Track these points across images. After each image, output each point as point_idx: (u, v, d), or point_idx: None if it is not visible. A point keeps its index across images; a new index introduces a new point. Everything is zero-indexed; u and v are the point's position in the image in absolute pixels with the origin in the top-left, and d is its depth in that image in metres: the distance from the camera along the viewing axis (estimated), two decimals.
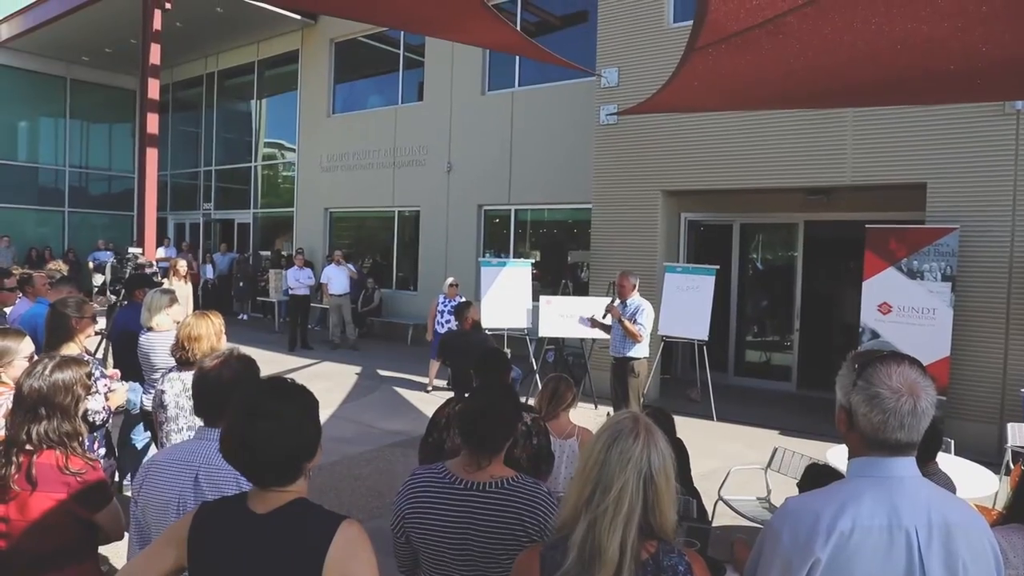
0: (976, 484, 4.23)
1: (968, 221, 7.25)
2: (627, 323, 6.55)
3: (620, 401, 6.75)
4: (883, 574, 1.47)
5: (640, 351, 6.64)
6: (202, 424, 2.28)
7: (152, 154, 11.23)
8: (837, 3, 2.26)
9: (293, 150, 16.87)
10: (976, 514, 1.60)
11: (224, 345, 3.24)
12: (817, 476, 3.02)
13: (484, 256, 12.56)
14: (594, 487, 1.51)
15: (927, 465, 3.17)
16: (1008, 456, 5.48)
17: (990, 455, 6.14)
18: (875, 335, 7.56)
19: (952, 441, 5.06)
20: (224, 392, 2.16)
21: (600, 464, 1.52)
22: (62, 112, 19.64)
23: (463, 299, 9.08)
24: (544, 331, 9.27)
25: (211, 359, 2.31)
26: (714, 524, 4.45)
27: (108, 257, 15.72)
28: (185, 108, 20.19)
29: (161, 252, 15.27)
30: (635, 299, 6.70)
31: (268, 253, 17.40)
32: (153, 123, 11.27)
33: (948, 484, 3.17)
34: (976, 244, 7.22)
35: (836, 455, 4.59)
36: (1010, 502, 1.97)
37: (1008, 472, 5.22)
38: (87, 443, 2.71)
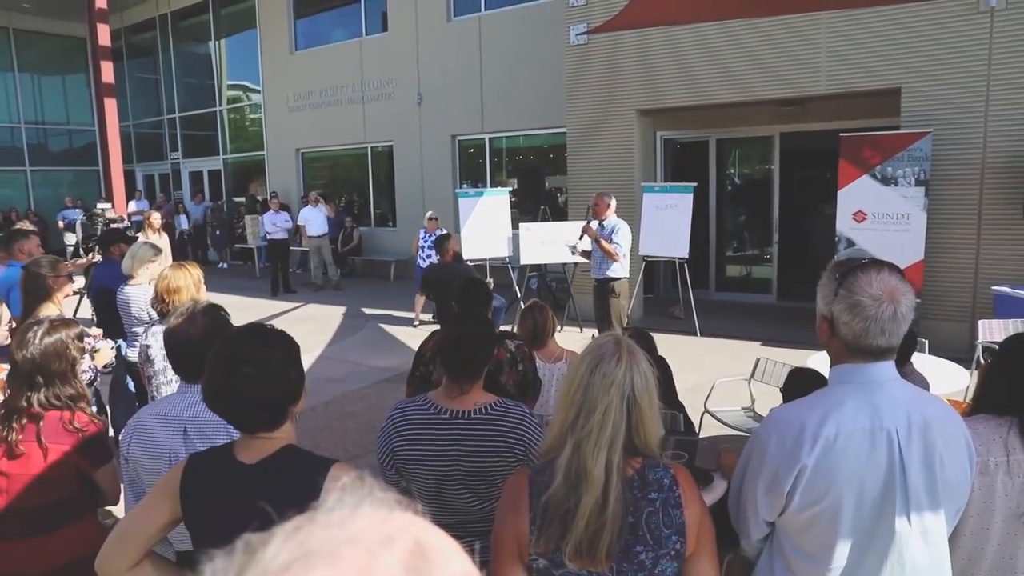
0: (948, 380, 4.39)
1: (941, 125, 7.25)
2: (604, 243, 6.55)
3: (604, 323, 6.82)
4: (866, 473, 1.54)
5: (619, 271, 6.63)
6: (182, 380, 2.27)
7: (111, 104, 10.87)
8: None
9: (258, 91, 16.39)
10: (950, 409, 1.67)
11: (204, 295, 3.23)
12: (800, 380, 3.12)
13: (461, 187, 12.44)
14: (578, 410, 1.53)
15: (903, 366, 3.27)
16: (979, 352, 5.65)
17: (962, 351, 6.34)
18: (851, 243, 7.65)
19: (926, 341, 5.21)
20: (195, 347, 2.14)
21: (583, 388, 1.54)
22: (9, 66, 18.80)
23: (443, 232, 9.05)
24: (526, 258, 9.30)
25: (176, 316, 2.26)
26: (701, 435, 4.60)
27: (77, 215, 15.45)
28: (140, 54, 19.43)
29: (133, 206, 14.98)
30: (612, 219, 6.66)
31: (242, 199, 17.12)
32: (108, 72, 10.86)
33: (922, 383, 3.28)
34: (949, 147, 7.25)
35: (817, 362, 4.71)
36: (975, 395, 2.05)
37: (979, 367, 5.40)
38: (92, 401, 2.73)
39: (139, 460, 2.13)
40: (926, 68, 7.33)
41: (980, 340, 5.65)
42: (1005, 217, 7.05)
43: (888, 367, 1.61)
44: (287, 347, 1.67)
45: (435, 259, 8.44)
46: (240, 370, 1.56)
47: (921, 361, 4.28)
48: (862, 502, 1.55)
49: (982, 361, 5.47)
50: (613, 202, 6.77)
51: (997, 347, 2.11)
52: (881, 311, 1.54)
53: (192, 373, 2.19)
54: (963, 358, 5.59)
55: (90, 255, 6.82)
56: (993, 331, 5.63)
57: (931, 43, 7.28)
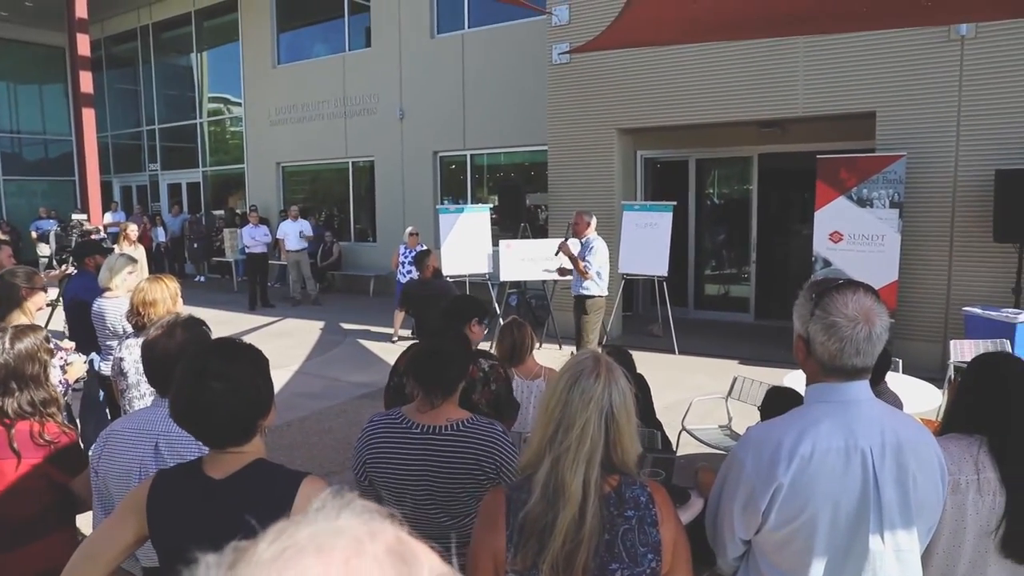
0: (921, 399, 4.44)
1: (915, 148, 7.40)
2: (577, 260, 6.64)
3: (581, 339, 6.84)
4: (841, 492, 1.55)
5: (593, 289, 6.65)
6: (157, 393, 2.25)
7: (89, 115, 10.77)
8: None
9: (239, 104, 16.32)
10: (924, 430, 1.69)
11: (180, 308, 3.20)
12: (778, 398, 3.15)
13: (442, 203, 12.46)
14: (557, 426, 1.54)
15: (877, 385, 3.31)
16: (951, 371, 5.74)
17: (934, 371, 6.43)
18: (827, 264, 7.75)
19: (900, 361, 5.28)
20: (172, 360, 2.09)
21: (563, 404, 1.55)
22: None
23: (423, 248, 9.04)
24: (505, 275, 9.31)
25: (155, 328, 2.24)
26: (678, 453, 4.61)
27: (51, 226, 15.24)
28: (120, 64, 19.28)
29: (109, 217, 14.81)
30: (590, 237, 6.74)
31: (221, 212, 16.99)
32: (87, 82, 10.76)
33: (896, 402, 3.33)
34: (922, 170, 7.40)
35: (793, 381, 4.75)
36: (946, 415, 2.08)
37: (950, 386, 5.47)
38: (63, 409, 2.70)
39: (109, 474, 2.09)
40: (900, 93, 7.49)
41: (952, 360, 5.73)
42: (976, 239, 7.19)
43: (863, 387, 1.63)
44: (256, 360, 1.65)
45: (415, 275, 8.43)
46: (209, 385, 1.53)
47: (894, 380, 4.33)
48: (837, 520, 1.56)
49: (953, 380, 5.55)
50: (593, 220, 6.82)
51: (965, 367, 2.14)
52: (856, 332, 1.56)
53: (168, 387, 2.15)
54: (936, 377, 5.67)
55: (63, 266, 6.73)
56: (964, 351, 5.72)
57: (905, 69, 7.45)
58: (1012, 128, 7.00)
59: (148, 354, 2.21)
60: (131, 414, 2.50)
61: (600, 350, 1.73)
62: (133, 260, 4.53)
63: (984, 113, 7.11)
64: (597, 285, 6.67)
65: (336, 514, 0.49)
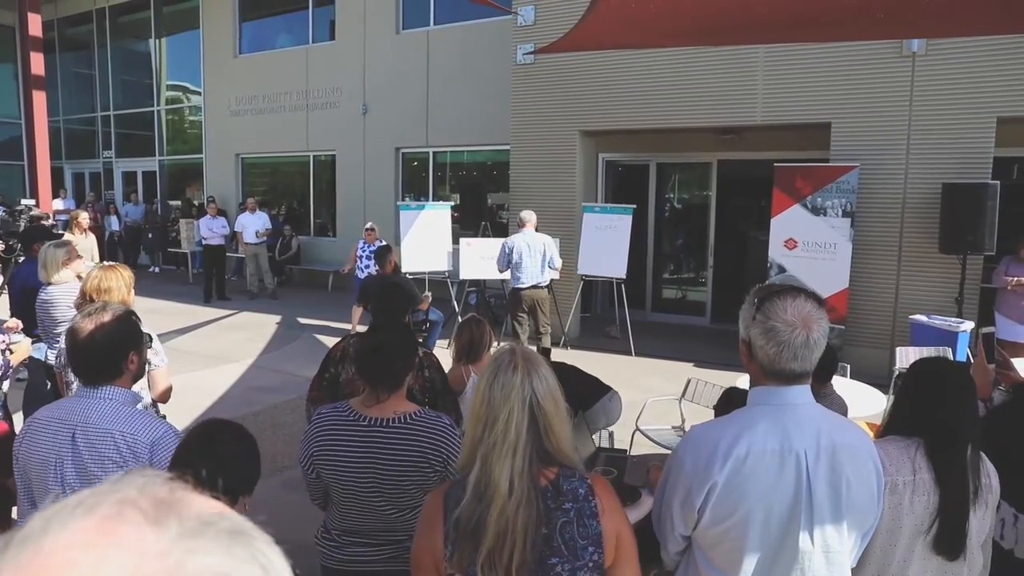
0: (867, 404, 4.59)
1: (867, 159, 7.62)
2: None
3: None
4: (774, 493, 1.60)
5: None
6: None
7: (40, 97, 10.45)
8: None
9: (199, 93, 15.98)
10: (862, 435, 1.74)
11: (133, 299, 3.13)
12: (733, 399, 3.22)
13: (403, 200, 12.39)
14: (484, 424, 1.55)
15: (824, 386, 3.40)
16: (896, 377, 5.92)
17: (881, 377, 6.62)
18: (782, 270, 7.93)
19: (848, 366, 5.44)
20: (98, 350, 2.06)
21: (486, 401, 1.57)
22: None
23: (383, 243, 8.99)
24: (465, 273, 9.30)
25: (82, 315, 2.15)
26: (632, 453, 4.68)
27: None
28: (75, 47, 18.71)
29: (59, 204, 14.39)
30: None
31: (178, 203, 16.62)
32: (38, 63, 10.44)
33: (841, 405, 3.42)
34: (874, 181, 7.62)
35: (745, 383, 4.85)
36: (887, 418, 2.16)
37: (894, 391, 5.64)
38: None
39: (28, 462, 2.03)
40: (854, 106, 7.70)
41: (898, 366, 5.91)
42: (922, 250, 7.43)
43: (802, 391, 1.67)
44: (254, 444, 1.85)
45: (372, 270, 8.37)
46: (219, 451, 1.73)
47: (842, 385, 4.46)
48: (769, 520, 1.60)
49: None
50: (521, 217, 7.41)
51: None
52: (794, 337, 1.60)
53: (91, 377, 2.09)
54: (883, 383, 5.84)
55: (11, 253, 6.50)
56: (909, 358, 5.89)
57: (859, 83, 7.66)
58: (958, 143, 7.25)
59: (73, 342, 2.10)
60: (54, 403, 2.40)
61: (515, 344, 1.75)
62: (65, 244, 4.30)
63: (933, 128, 7.36)
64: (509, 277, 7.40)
65: (123, 480, 0.49)
